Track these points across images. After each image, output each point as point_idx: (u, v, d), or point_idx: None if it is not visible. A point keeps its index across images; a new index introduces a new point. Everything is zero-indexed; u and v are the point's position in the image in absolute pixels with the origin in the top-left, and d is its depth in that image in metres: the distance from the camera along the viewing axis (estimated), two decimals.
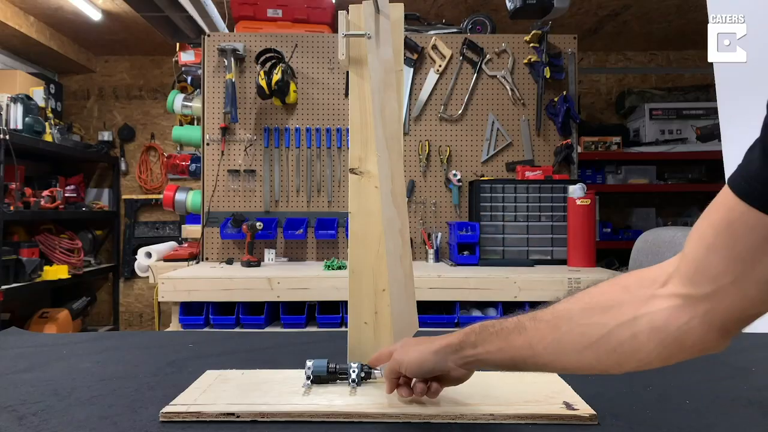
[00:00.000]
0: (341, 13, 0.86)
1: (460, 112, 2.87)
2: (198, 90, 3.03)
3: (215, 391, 0.79)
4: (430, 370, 0.70)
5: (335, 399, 0.76)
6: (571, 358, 0.60)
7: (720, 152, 1.63)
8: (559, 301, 0.64)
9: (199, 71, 2.94)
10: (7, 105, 3.56)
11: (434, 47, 2.88)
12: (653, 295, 0.56)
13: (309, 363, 0.81)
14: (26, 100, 3.70)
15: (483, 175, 2.86)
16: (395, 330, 0.82)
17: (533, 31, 2.82)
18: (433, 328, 2.21)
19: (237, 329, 2.21)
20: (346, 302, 0.89)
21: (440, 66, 2.87)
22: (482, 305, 2.36)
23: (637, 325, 0.55)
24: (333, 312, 2.26)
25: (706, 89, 4.31)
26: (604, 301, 0.59)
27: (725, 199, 0.52)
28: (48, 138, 3.88)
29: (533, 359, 0.63)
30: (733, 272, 0.50)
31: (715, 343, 0.54)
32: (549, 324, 0.62)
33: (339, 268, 2.46)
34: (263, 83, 2.66)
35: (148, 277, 2.70)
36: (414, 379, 0.73)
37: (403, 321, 0.82)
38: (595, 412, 0.72)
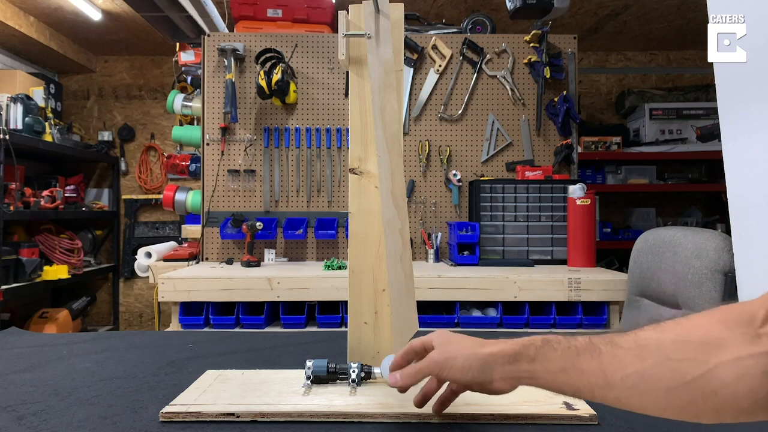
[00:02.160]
0: (341, 13, 0.86)
1: (460, 112, 2.87)
2: (198, 90, 3.03)
3: (215, 391, 0.79)
4: (473, 379, 0.62)
5: (335, 399, 0.76)
6: (657, 396, 0.52)
7: (720, 152, 1.63)
8: (640, 328, 0.55)
9: (199, 71, 2.95)
10: (7, 105, 3.56)
11: (434, 47, 2.88)
12: (757, 334, 0.49)
13: (309, 363, 0.81)
14: (26, 100, 3.70)
15: (483, 175, 2.86)
16: (395, 330, 0.82)
17: (533, 31, 2.82)
18: (433, 328, 2.21)
19: (237, 329, 2.21)
20: (346, 302, 0.89)
21: (440, 66, 2.87)
22: (482, 305, 2.36)
23: (743, 367, 0.48)
24: (333, 312, 2.26)
25: (706, 89, 4.31)
26: (700, 336, 0.51)
27: None
28: (48, 138, 3.88)
29: (604, 390, 0.55)
30: None
31: None
32: (631, 352, 0.53)
33: (339, 268, 2.46)
34: (263, 83, 2.66)
35: (148, 277, 2.70)
36: (431, 381, 0.66)
37: (402, 321, 0.82)
38: (595, 412, 0.72)
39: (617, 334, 0.56)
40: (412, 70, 2.86)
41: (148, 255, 2.74)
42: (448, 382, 0.68)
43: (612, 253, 4.10)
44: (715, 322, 0.52)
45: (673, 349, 0.51)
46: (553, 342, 0.59)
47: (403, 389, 0.68)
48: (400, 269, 0.82)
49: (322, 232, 2.75)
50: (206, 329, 2.21)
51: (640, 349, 0.53)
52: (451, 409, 0.72)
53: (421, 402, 0.70)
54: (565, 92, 2.82)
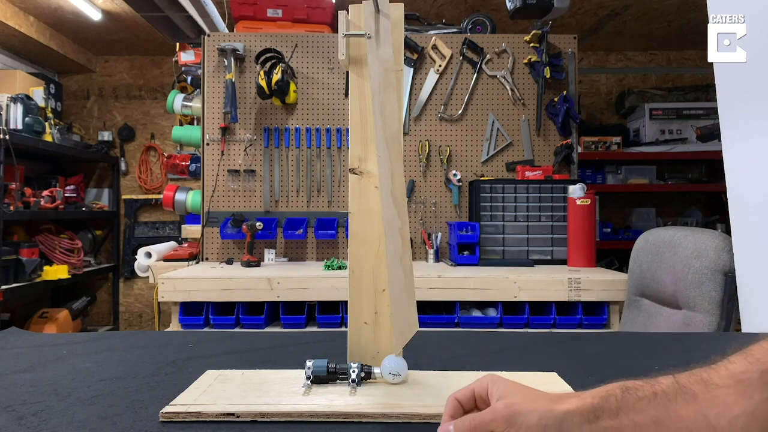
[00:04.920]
0: (341, 13, 0.86)
1: (460, 112, 2.87)
2: (198, 90, 3.03)
3: (215, 391, 0.79)
4: None
5: (335, 399, 0.76)
6: None
7: (720, 152, 1.63)
8: (727, 360, 0.50)
9: (199, 71, 2.95)
10: (7, 105, 3.56)
11: (434, 47, 2.88)
12: None
13: (309, 363, 0.81)
14: (26, 100, 3.70)
15: (483, 175, 2.86)
16: (395, 330, 0.82)
17: (533, 31, 2.82)
18: (433, 328, 2.21)
19: (237, 329, 2.21)
20: (346, 302, 0.89)
21: (440, 66, 2.87)
22: (482, 305, 2.36)
23: None
24: (333, 312, 2.26)
25: (706, 89, 4.31)
26: None
27: None
28: (48, 138, 3.88)
29: None
30: None
31: None
32: (732, 390, 0.47)
33: (339, 268, 2.46)
34: (263, 83, 2.66)
35: (148, 277, 2.70)
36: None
37: (402, 321, 0.82)
38: None
39: (704, 370, 0.50)
40: (412, 70, 2.87)
41: (148, 255, 2.74)
42: None
43: (612, 253, 4.10)
44: None
45: None
46: (634, 389, 0.51)
47: None
48: (400, 269, 0.82)
49: (322, 232, 2.75)
50: (206, 329, 2.21)
51: (742, 386, 0.47)
52: None
53: None
54: (565, 92, 2.82)
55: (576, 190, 2.48)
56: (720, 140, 1.64)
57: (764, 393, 0.46)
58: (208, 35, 2.88)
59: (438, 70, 2.87)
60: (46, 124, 3.92)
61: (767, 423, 0.45)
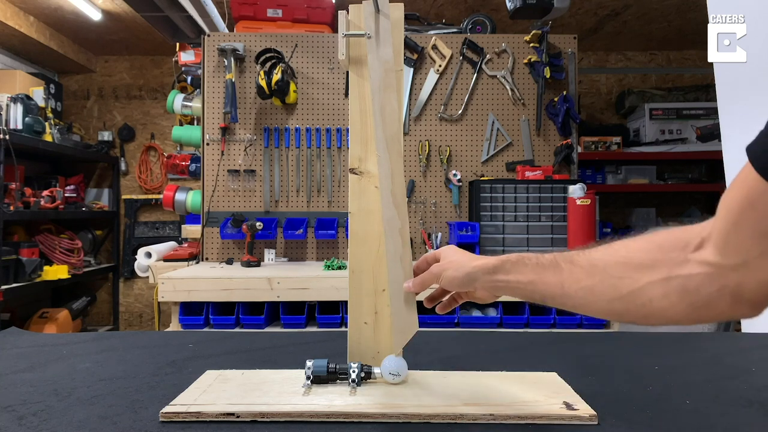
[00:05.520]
0: (341, 13, 0.86)
1: (460, 112, 2.87)
2: (198, 90, 3.03)
3: (215, 391, 0.79)
4: (460, 286, 0.76)
5: (335, 399, 0.76)
6: (601, 305, 0.64)
7: (720, 152, 1.63)
8: (596, 248, 0.67)
9: (199, 71, 2.95)
10: (7, 105, 3.56)
11: (434, 47, 2.88)
12: (686, 259, 0.58)
13: (309, 363, 0.81)
14: (26, 100, 3.70)
15: (483, 175, 2.86)
16: (395, 330, 0.82)
17: (533, 31, 2.82)
18: (433, 328, 2.21)
19: (237, 329, 2.21)
20: (346, 302, 0.89)
21: (440, 66, 2.87)
22: (482, 305, 2.35)
23: (670, 286, 0.58)
24: (333, 312, 2.26)
25: (706, 89, 4.31)
26: (638, 259, 0.61)
27: (747, 176, 0.52)
28: (48, 138, 3.88)
29: (562, 299, 0.68)
30: (760, 247, 0.52)
31: (744, 313, 0.56)
32: (584, 270, 0.65)
33: (339, 268, 2.46)
34: (263, 83, 2.66)
35: (148, 277, 2.70)
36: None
37: (402, 321, 0.82)
38: (595, 412, 0.72)
39: (576, 253, 0.68)
40: (412, 70, 2.87)
41: (148, 255, 2.74)
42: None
43: None
44: (654, 247, 0.61)
45: (615, 270, 0.63)
46: (525, 258, 0.71)
47: (417, 290, 0.82)
48: (399, 269, 0.82)
49: (322, 232, 2.75)
50: (206, 329, 2.21)
51: (592, 268, 0.65)
52: (451, 409, 0.72)
53: (428, 303, 0.86)
54: (565, 92, 2.82)
55: (576, 190, 2.48)
56: (720, 140, 1.64)
57: (602, 276, 0.63)
58: (208, 35, 2.88)
59: (438, 70, 2.87)
60: (46, 124, 3.92)
61: (598, 296, 0.64)
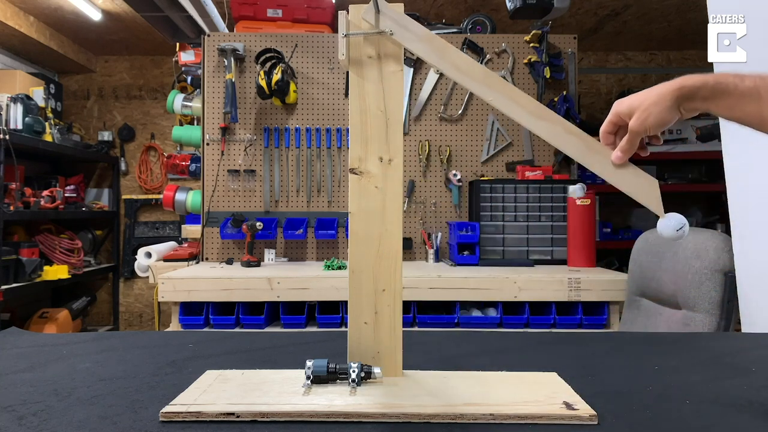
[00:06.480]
0: (341, 13, 0.86)
1: (460, 112, 2.87)
2: (198, 90, 3.03)
3: (215, 391, 0.79)
4: (667, 124, 0.78)
5: (335, 399, 0.76)
6: None
7: (720, 152, 1.63)
8: None
9: (199, 71, 2.95)
10: (7, 105, 3.56)
11: None
12: None
13: (309, 363, 0.81)
14: (26, 100, 3.70)
15: (483, 175, 2.86)
16: (644, 201, 0.84)
17: (533, 31, 2.82)
18: (433, 328, 2.21)
19: (237, 329, 2.21)
20: (346, 302, 0.89)
21: None
22: (482, 305, 2.36)
23: None
24: (333, 312, 2.26)
25: None
26: None
27: None
28: (48, 138, 3.88)
29: (761, 126, 0.70)
30: None
31: None
32: None
33: (339, 268, 2.46)
34: (263, 83, 2.66)
35: (148, 277, 2.70)
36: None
37: (638, 188, 0.84)
38: (595, 412, 0.71)
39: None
40: (412, 70, 2.87)
41: (148, 255, 2.74)
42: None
43: (612, 253, 4.10)
44: None
45: None
46: (723, 84, 0.72)
47: (623, 161, 0.83)
48: (596, 157, 0.84)
49: (322, 232, 2.75)
50: (206, 329, 2.21)
51: None
52: (451, 409, 0.72)
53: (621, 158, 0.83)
54: (565, 92, 2.82)
55: (576, 190, 2.48)
56: (720, 140, 1.64)
57: None
58: (208, 35, 2.88)
59: (438, 70, 2.87)
60: (46, 124, 3.91)
61: None
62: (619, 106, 0.79)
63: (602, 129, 0.81)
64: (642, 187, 0.81)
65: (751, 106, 0.69)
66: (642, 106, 0.77)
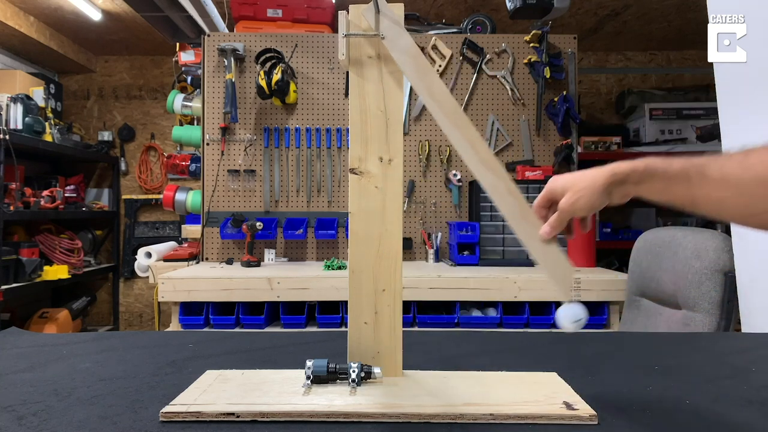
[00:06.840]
0: (341, 13, 0.86)
1: None
2: (198, 90, 3.03)
3: (215, 391, 0.79)
4: (597, 208, 0.77)
5: (335, 399, 0.76)
6: (734, 218, 0.68)
7: (720, 152, 1.63)
8: (729, 157, 0.66)
9: (199, 71, 2.95)
10: (7, 105, 3.56)
11: (434, 47, 2.88)
12: None
13: (309, 363, 0.81)
14: (26, 100, 3.70)
15: None
16: (555, 281, 0.82)
17: (533, 31, 2.82)
18: (433, 328, 2.21)
19: (237, 329, 2.21)
20: (346, 302, 0.89)
21: (440, 66, 2.87)
22: (482, 305, 2.36)
23: None
24: (333, 312, 2.26)
25: (706, 89, 4.31)
26: None
27: None
28: (48, 138, 3.88)
29: (693, 208, 0.70)
30: None
31: None
32: (717, 184, 0.66)
33: (339, 268, 2.46)
34: (263, 83, 2.66)
35: (148, 277, 2.70)
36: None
37: (555, 269, 0.81)
38: (595, 412, 0.72)
39: (708, 161, 0.68)
40: None
41: (148, 255, 2.74)
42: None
43: (612, 253, 4.09)
44: None
45: (751, 187, 0.63)
46: (652, 168, 0.72)
47: (550, 236, 0.80)
48: (526, 225, 0.81)
49: (322, 232, 2.75)
50: (206, 329, 2.21)
51: (725, 183, 0.65)
52: (451, 409, 0.72)
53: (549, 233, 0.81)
54: (565, 92, 2.82)
55: None
56: (720, 140, 1.64)
57: (735, 191, 0.64)
58: (208, 35, 2.88)
59: (438, 70, 2.87)
60: (46, 124, 3.91)
61: (730, 211, 0.66)
62: (554, 183, 0.79)
63: (535, 202, 0.81)
64: (559, 269, 0.82)
65: (681, 188, 0.69)
66: (575, 187, 0.77)
